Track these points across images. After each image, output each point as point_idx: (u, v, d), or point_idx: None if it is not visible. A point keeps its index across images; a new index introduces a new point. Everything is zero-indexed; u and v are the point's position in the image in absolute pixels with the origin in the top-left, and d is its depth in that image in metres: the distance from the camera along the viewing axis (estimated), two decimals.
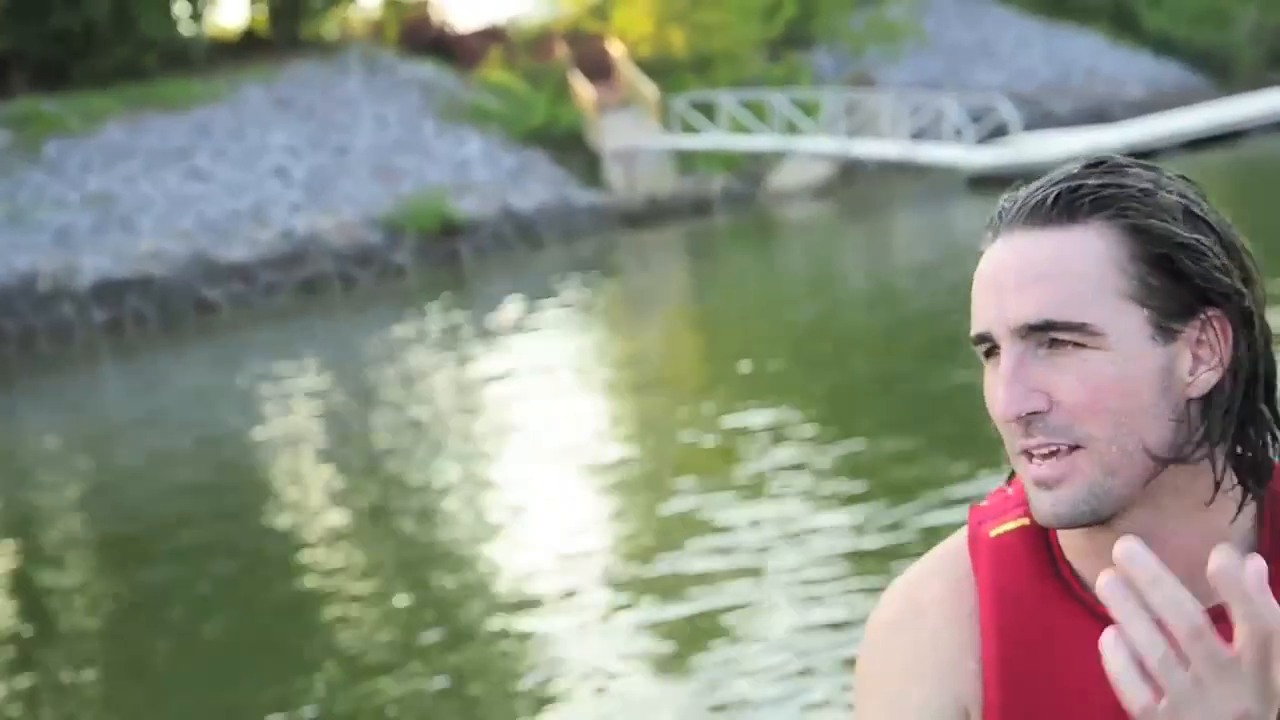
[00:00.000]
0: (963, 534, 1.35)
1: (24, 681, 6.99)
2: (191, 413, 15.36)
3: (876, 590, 6.22)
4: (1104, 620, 1.22)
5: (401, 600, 7.39)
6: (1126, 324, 1.21)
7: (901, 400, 10.16)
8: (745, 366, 12.44)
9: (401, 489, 9.99)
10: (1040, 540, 1.30)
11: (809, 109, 28.52)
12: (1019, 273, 1.22)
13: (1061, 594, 1.28)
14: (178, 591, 8.16)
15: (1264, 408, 1.25)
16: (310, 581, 8.01)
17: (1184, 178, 1.27)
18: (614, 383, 13.56)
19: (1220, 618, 1.17)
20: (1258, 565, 1.01)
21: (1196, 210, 1.23)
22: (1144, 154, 17.45)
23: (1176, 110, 29.63)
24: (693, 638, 6.16)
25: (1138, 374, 1.21)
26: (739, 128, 28.62)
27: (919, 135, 26.86)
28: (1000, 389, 1.22)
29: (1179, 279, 1.21)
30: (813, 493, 7.98)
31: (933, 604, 1.32)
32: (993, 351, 1.24)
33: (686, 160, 29.28)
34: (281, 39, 30.97)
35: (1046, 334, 1.21)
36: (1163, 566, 1.02)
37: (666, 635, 6.26)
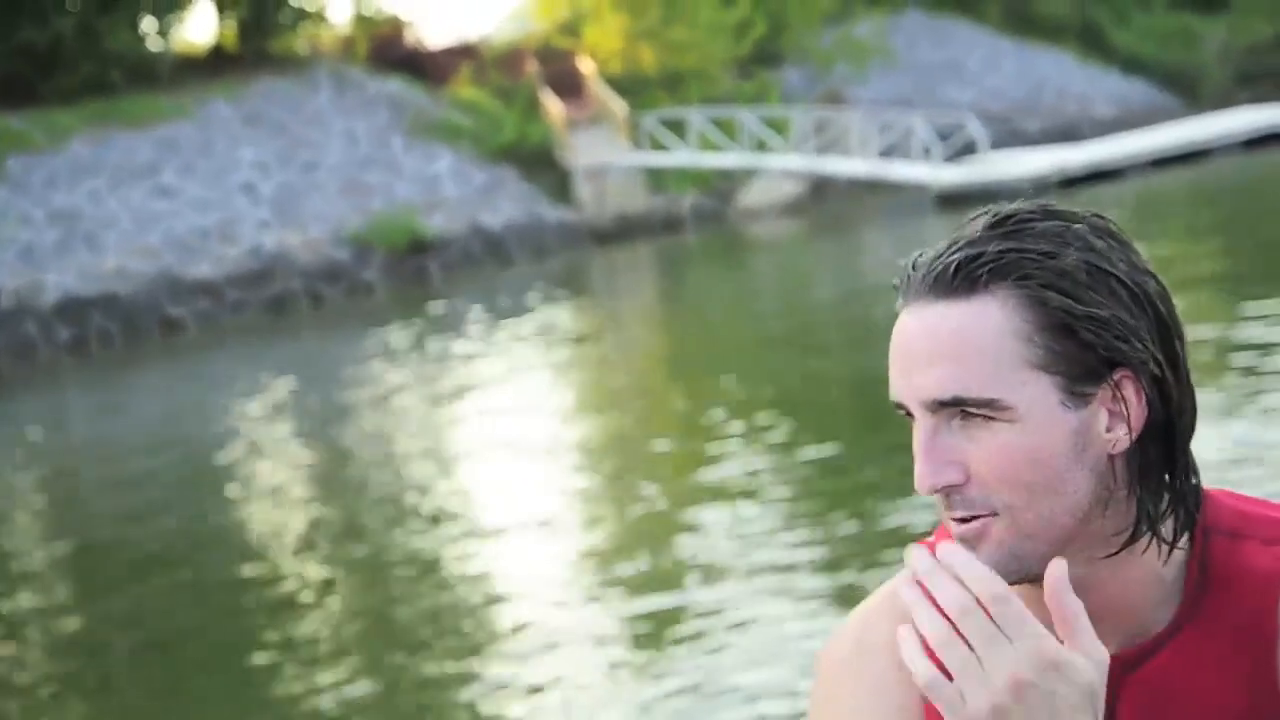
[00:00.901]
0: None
1: None
2: (155, 432, 15.22)
3: (852, 586, 6.27)
4: None
5: (371, 614, 7.31)
6: (1035, 394, 1.20)
7: (871, 404, 10.15)
8: (715, 378, 12.41)
9: (369, 504, 9.91)
10: None
11: (779, 127, 28.55)
12: (925, 348, 1.22)
13: None
14: (137, 615, 8.05)
15: (1187, 451, 1.26)
16: (274, 601, 7.91)
17: (1098, 218, 1.25)
18: (582, 398, 13.50)
19: (1152, 650, 1.26)
20: (1059, 566, 1.14)
21: (1104, 267, 1.21)
22: (1110, 173, 17.51)
23: (1144, 129, 29.77)
24: (671, 638, 6.17)
25: (1050, 442, 1.21)
26: (709, 145, 28.63)
27: (888, 153, 26.91)
28: (917, 464, 1.22)
29: (1084, 345, 1.20)
30: (786, 496, 8.00)
31: (880, 646, 1.33)
32: (911, 416, 1.25)
33: (657, 178, 29.27)
34: (250, 55, 30.85)
35: (958, 409, 1.21)
36: (969, 557, 1.14)
37: (646, 636, 6.24)
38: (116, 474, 12.86)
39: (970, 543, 1.22)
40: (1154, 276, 1.25)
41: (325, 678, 6.48)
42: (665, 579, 7.06)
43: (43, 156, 25.90)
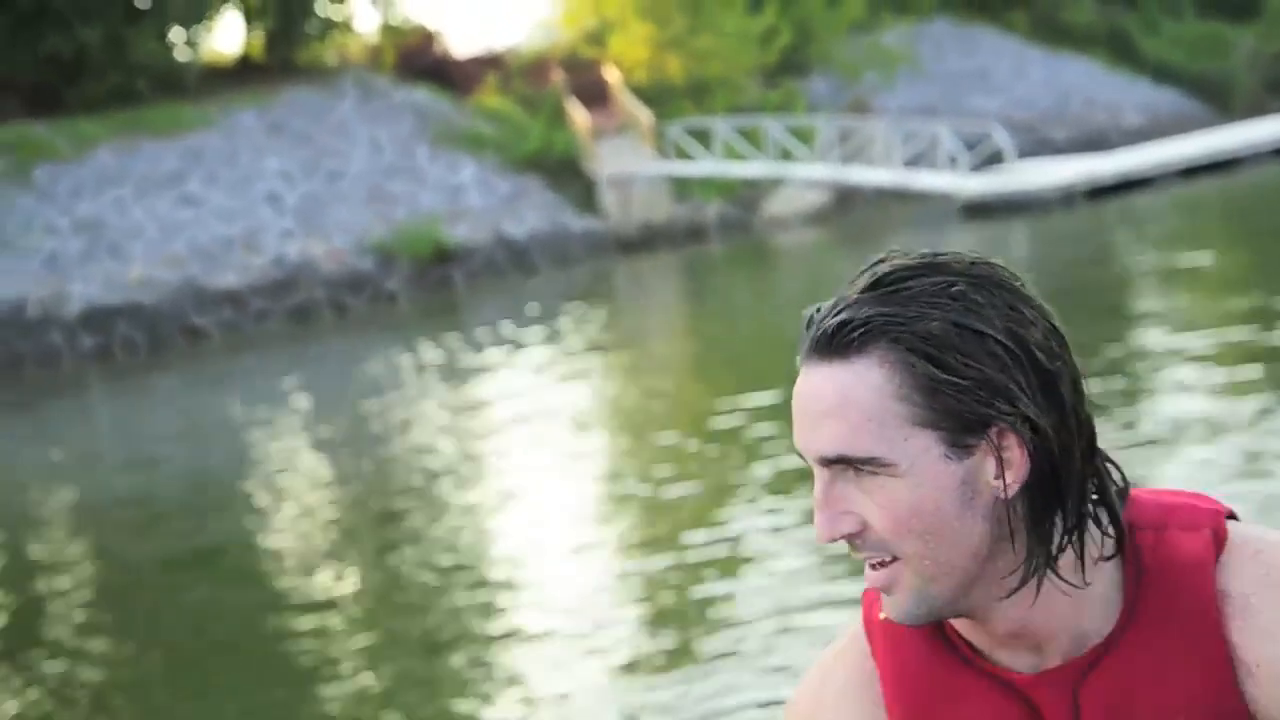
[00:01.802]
0: (860, 620, 1.42)
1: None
2: (178, 441, 15.21)
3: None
4: (1001, 683, 1.32)
5: (394, 624, 7.27)
6: (917, 449, 1.24)
7: None
8: (741, 386, 12.33)
9: (391, 514, 9.85)
10: None
11: (804, 136, 28.44)
12: (814, 408, 1.27)
13: (957, 664, 1.34)
14: (162, 623, 8.03)
15: (1096, 467, 1.30)
16: (298, 608, 7.86)
17: (985, 264, 1.27)
18: (606, 408, 13.42)
19: (1104, 651, 1.30)
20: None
21: (975, 327, 1.23)
22: (1138, 182, 17.32)
23: (1173, 138, 29.55)
24: (695, 639, 6.21)
25: (937, 494, 1.25)
26: (734, 154, 28.54)
27: (914, 162, 26.77)
28: (816, 514, 1.28)
29: (956, 404, 1.24)
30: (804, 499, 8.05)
31: (840, 693, 1.39)
32: None
33: (682, 187, 29.19)
34: (276, 65, 30.92)
35: (847, 465, 1.26)
36: None
37: (667, 643, 6.18)
38: (136, 480, 12.84)
39: (884, 589, 1.28)
40: (1040, 321, 1.26)
41: (335, 678, 6.44)
42: (692, 580, 7.04)
43: (68, 166, 25.98)
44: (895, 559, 1.26)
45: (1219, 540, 1.32)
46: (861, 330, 1.25)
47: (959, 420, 1.23)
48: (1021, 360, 1.24)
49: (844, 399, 1.25)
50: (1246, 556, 1.32)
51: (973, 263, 1.27)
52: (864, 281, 1.27)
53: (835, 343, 1.26)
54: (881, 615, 1.33)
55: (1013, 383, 1.23)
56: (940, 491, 1.24)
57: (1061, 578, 1.29)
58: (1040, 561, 1.27)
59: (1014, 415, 1.23)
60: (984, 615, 1.30)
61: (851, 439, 1.24)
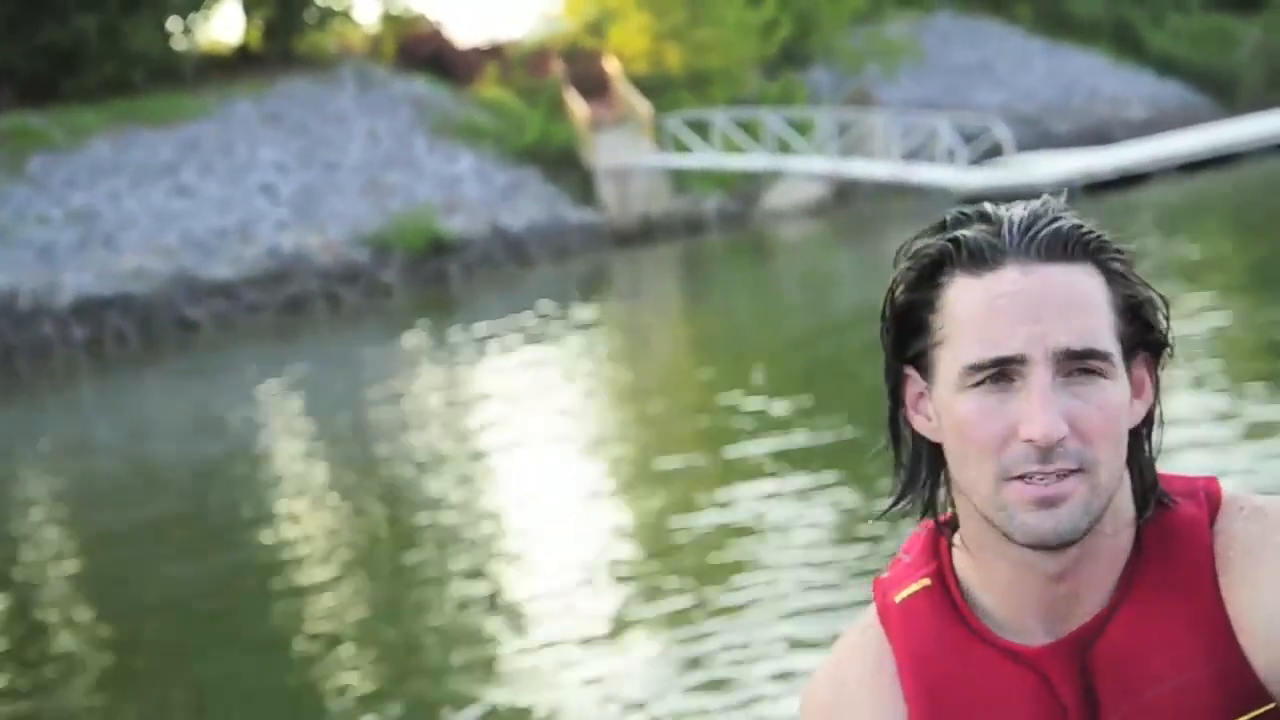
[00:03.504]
0: (874, 607, 1.44)
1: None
2: (167, 435, 15.14)
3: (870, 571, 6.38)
4: (1016, 658, 1.35)
5: (396, 619, 7.29)
6: (1118, 357, 1.33)
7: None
8: (739, 377, 12.31)
9: (386, 506, 9.84)
10: (944, 597, 1.40)
11: (803, 128, 28.29)
12: (1059, 303, 1.30)
13: (973, 641, 1.38)
14: (156, 619, 8.03)
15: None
16: (294, 607, 7.85)
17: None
18: (600, 400, 13.34)
19: (1109, 616, 1.35)
20: None
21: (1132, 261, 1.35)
22: (1138, 177, 17.19)
23: (1177, 131, 29.35)
24: (707, 626, 6.25)
25: (1124, 403, 1.33)
26: (732, 147, 28.40)
27: (913, 155, 26.62)
28: (1039, 414, 1.28)
29: (1143, 325, 1.35)
30: (811, 488, 8.11)
31: (857, 680, 1.41)
32: (999, 377, 1.30)
33: (681, 179, 29.07)
34: (275, 54, 30.82)
35: (1078, 362, 1.30)
36: None
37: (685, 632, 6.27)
38: (126, 474, 12.79)
39: (1052, 503, 1.30)
40: None
41: (342, 681, 6.42)
42: (693, 575, 7.07)
43: (63, 155, 25.90)
44: (1078, 469, 1.30)
45: (1213, 505, 1.39)
46: (1093, 240, 1.32)
47: (1130, 340, 1.34)
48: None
49: (1089, 296, 1.31)
50: (1238, 515, 1.38)
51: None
52: (1058, 203, 1.35)
53: (1066, 246, 1.31)
54: (1034, 539, 1.32)
55: (1161, 315, 1.36)
56: (1125, 402, 1.33)
57: (1143, 508, 1.38)
58: (1150, 484, 1.36)
59: (1161, 343, 1.36)
60: (1082, 552, 1.34)
61: (1103, 334, 1.30)
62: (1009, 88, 34.64)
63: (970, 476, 1.32)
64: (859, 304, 17.29)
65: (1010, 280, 1.30)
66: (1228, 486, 1.41)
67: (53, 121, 26.48)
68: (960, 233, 1.33)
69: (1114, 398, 1.30)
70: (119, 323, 23.42)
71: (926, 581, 1.40)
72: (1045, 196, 1.35)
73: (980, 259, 1.31)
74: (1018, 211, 1.33)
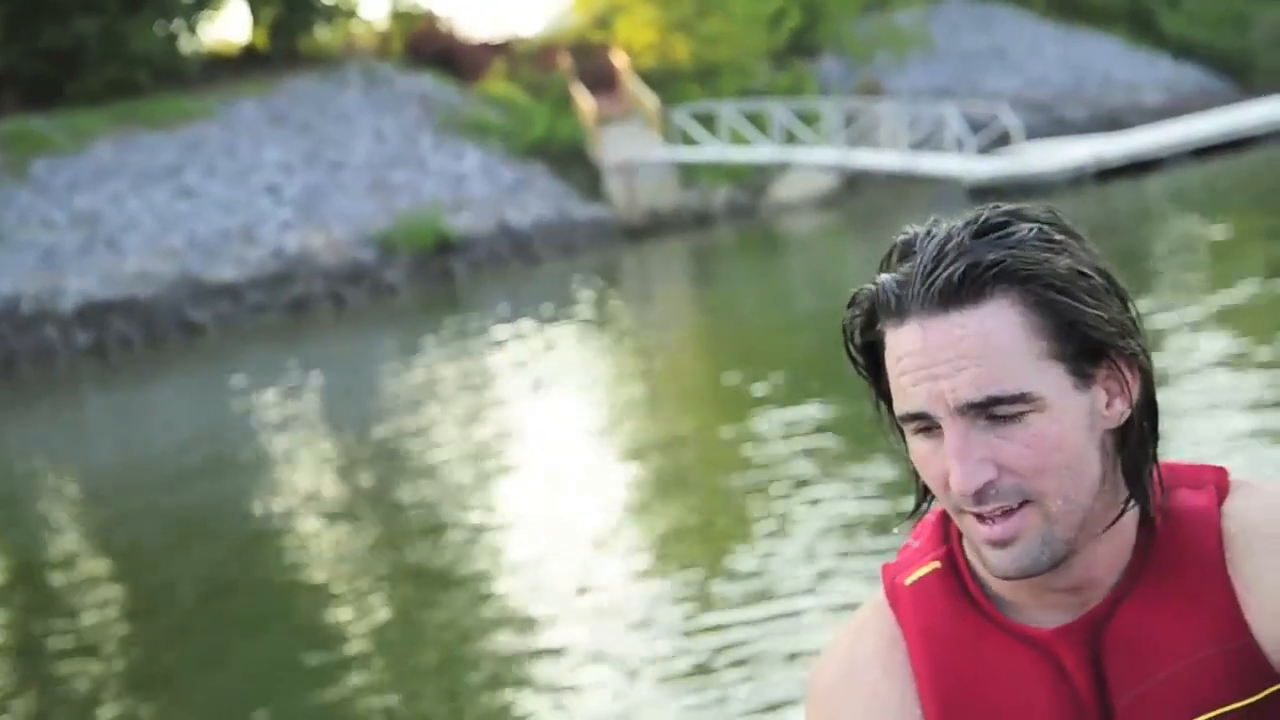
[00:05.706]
0: (882, 591, 1.45)
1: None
2: (171, 439, 15.03)
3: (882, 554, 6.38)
4: (1027, 641, 1.36)
5: (407, 620, 7.28)
6: (1053, 381, 1.29)
7: None
8: (750, 371, 12.26)
9: (397, 509, 9.77)
10: (954, 578, 1.40)
11: (810, 119, 28.05)
12: (950, 356, 1.28)
13: (983, 623, 1.38)
14: (164, 623, 7.99)
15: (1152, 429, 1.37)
16: (304, 607, 7.83)
17: (1051, 213, 1.33)
18: (614, 400, 13.18)
19: (1119, 600, 1.36)
20: None
21: (1082, 267, 1.31)
22: (1149, 163, 16.90)
23: (1192, 116, 28.99)
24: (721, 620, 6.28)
25: (1073, 425, 1.30)
26: (739, 139, 28.18)
27: (921, 145, 26.37)
28: (955, 466, 1.28)
29: (1088, 337, 1.31)
30: (822, 480, 8.13)
31: (867, 660, 1.42)
32: (927, 429, 1.31)
33: (689, 172, 28.87)
34: (281, 54, 30.70)
35: (986, 410, 1.28)
36: None
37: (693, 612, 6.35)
38: (130, 479, 12.70)
39: (1007, 542, 1.30)
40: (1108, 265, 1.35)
41: (353, 683, 6.38)
42: (709, 573, 7.06)
43: (66, 158, 25.83)
44: (1024, 504, 1.29)
45: (1222, 491, 1.40)
46: (995, 272, 1.28)
47: (1085, 351, 1.30)
48: (1116, 294, 1.33)
49: (985, 341, 1.28)
50: (1247, 500, 1.39)
51: (1049, 211, 1.34)
52: (966, 226, 1.31)
53: (963, 289, 1.28)
54: (997, 574, 1.33)
55: (1125, 316, 1.33)
56: (1074, 422, 1.30)
57: (1146, 507, 1.37)
58: (1141, 492, 1.34)
59: (1128, 345, 1.32)
60: (1073, 560, 1.34)
61: (1002, 378, 1.28)
62: (1022, 74, 34.31)
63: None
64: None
65: (909, 339, 1.30)
66: (1237, 476, 1.42)
67: (55, 124, 26.41)
68: (881, 279, 1.33)
69: (1046, 429, 1.29)
70: (123, 326, 23.33)
71: (936, 564, 1.41)
72: (980, 210, 1.33)
73: (889, 312, 1.32)
74: (930, 247, 1.30)
